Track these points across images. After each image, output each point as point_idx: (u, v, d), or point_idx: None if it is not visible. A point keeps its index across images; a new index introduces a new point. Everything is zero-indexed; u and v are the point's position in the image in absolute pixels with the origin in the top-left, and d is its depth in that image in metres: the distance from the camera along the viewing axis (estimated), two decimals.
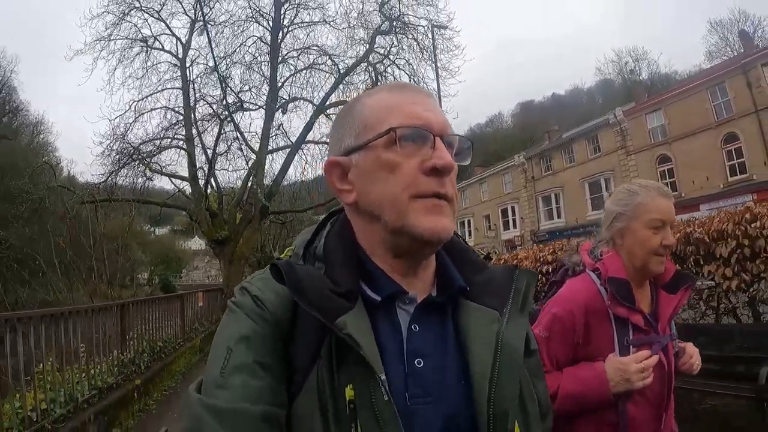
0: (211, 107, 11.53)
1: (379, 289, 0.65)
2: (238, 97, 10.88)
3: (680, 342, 1.40)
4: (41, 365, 3.84)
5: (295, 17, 12.34)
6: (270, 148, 12.60)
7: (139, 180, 12.16)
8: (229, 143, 12.35)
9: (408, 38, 12.21)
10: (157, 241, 29.55)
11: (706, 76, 24.60)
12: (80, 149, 60.02)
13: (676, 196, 16.17)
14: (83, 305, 6.64)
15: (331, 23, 11.95)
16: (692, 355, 1.37)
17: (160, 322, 6.99)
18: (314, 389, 0.57)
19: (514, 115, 61.45)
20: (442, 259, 0.72)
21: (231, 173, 12.94)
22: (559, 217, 28.14)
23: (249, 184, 11.75)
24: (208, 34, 10.19)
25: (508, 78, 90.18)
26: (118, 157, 11.44)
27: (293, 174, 12.92)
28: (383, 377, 0.56)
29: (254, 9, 11.90)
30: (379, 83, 12.38)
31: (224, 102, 10.92)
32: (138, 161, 11.60)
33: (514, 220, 31.12)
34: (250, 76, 12.10)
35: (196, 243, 48.56)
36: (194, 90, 11.74)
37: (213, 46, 10.40)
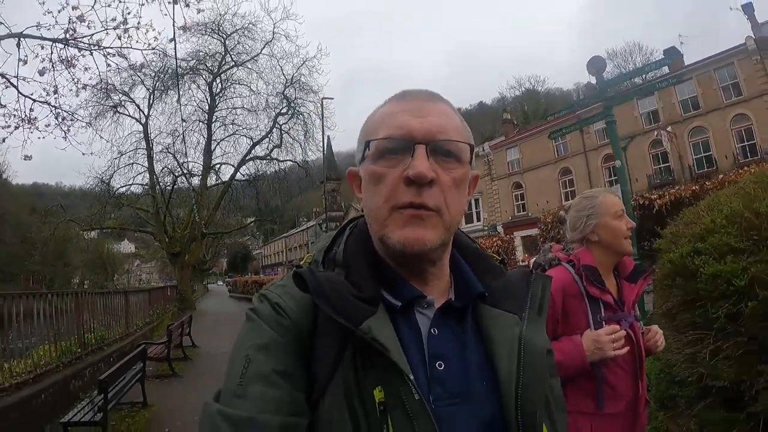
0: (170, 170, 18.61)
1: (399, 294, 0.67)
2: (188, 170, 18.16)
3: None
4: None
5: (222, 96, 19.74)
6: (208, 185, 19.88)
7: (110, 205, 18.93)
8: (178, 178, 19.39)
9: (298, 119, 20.24)
10: (89, 245, 32.69)
11: (549, 124, 32.14)
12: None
13: (525, 216, 28.70)
14: (144, 287, 14.51)
15: (249, 108, 19.60)
16: (657, 333, 1.72)
17: (159, 300, 14.51)
18: (340, 393, 0.58)
19: None
20: (459, 265, 0.76)
21: (180, 201, 20.06)
22: None
23: (192, 216, 18.77)
24: (182, 123, 17.32)
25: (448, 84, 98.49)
26: (105, 200, 18.13)
27: (224, 204, 20.38)
28: (413, 377, 0.58)
29: (196, 99, 19.24)
30: (282, 141, 20.32)
31: (179, 169, 18.19)
32: (118, 200, 18.41)
33: None
34: (192, 140, 19.48)
35: (126, 246, 51.05)
36: (154, 153, 18.61)
37: (181, 120, 17.64)
